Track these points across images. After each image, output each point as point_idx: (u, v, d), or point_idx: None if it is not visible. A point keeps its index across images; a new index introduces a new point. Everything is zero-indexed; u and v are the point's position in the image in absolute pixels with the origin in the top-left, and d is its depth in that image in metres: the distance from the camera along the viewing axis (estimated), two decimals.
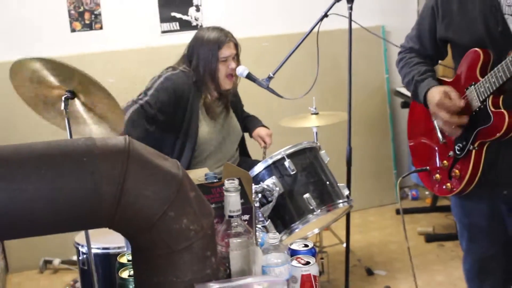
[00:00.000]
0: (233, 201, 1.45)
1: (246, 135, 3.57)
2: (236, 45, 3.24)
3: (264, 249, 1.55)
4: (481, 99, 2.09)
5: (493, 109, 2.07)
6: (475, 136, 2.13)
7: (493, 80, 2.03)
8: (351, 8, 3.05)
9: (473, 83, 2.12)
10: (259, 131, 3.46)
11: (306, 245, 1.61)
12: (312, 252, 1.59)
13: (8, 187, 1.13)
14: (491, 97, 2.07)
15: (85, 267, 2.91)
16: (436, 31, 2.28)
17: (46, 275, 4.11)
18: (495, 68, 2.02)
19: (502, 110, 2.05)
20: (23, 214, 1.15)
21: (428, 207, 4.79)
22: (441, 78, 2.35)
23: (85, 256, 2.91)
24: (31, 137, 3.88)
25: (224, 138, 3.32)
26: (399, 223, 4.43)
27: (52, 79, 2.61)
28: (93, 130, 2.78)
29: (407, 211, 4.72)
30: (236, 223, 1.46)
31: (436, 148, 2.37)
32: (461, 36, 2.17)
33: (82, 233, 2.85)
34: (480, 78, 2.09)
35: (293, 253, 1.58)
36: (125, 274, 1.56)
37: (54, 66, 2.56)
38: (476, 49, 2.09)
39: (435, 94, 2.20)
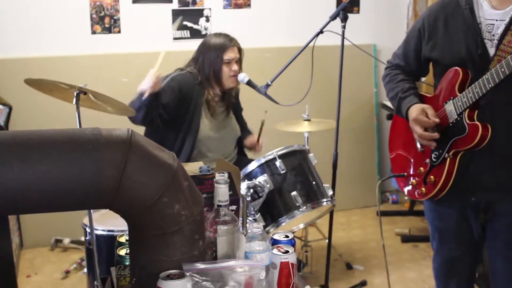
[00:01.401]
0: (222, 192, 1.47)
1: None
2: (240, 50, 3.26)
3: (249, 237, 1.58)
4: (458, 112, 2.11)
5: (468, 122, 2.08)
6: (451, 145, 2.15)
7: (470, 95, 2.05)
8: (344, 27, 3.05)
9: (451, 97, 2.14)
10: (248, 140, 3.51)
11: (286, 236, 1.62)
12: (292, 243, 1.60)
13: (23, 167, 1.15)
14: (467, 110, 2.09)
15: (91, 247, 2.92)
16: (421, 51, 2.29)
17: (56, 252, 4.13)
18: (473, 85, 2.04)
19: (477, 123, 2.06)
20: (34, 191, 1.17)
21: (406, 211, 4.79)
22: (425, 94, 2.36)
23: (90, 237, 2.93)
24: (45, 125, 3.92)
25: (223, 136, 3.33)
26: (379, 224, 4.43)
27: (63, 85, 2.64)
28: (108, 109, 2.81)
29: (387, 213, 4.72)
30: (224, 212, 1.47)
31: (414, 156, 2.38)
32: (444, 57, 2.19)
33: None
34: (458, 94, 2.11)
35: (275, 242, 1.59)
36: (122, 252, 1.59)
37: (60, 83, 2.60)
38: (457, 68, 2.11)
39: (414, 111, 2.23)
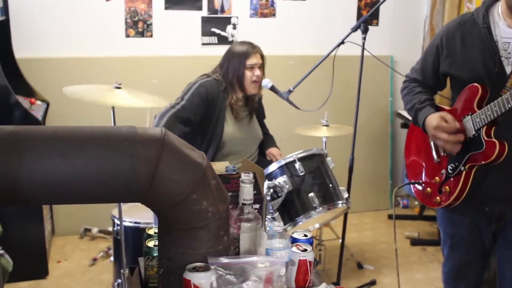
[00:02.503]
0: (247, 191, 1.47)
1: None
2: (262, 57, 3.26)
3: (270, 234, 1.58)
4: (476, 128, 2.07)
5: (486, 138, 2.04)
6: (467, 159, 2.11)
7: (489, 113, 2.00)
8: (364, 38, 3.03)
9: (470, 113, 2.10)
10: (272, 150, 3.47)
11: (305, 235, 1.62)
12: (310, 242, 1.60)
13: (63, 161, 1.17)
14: (485, 127, 2.04)
15: (118, 237, 2.94)
16: (438, 67, 2.26)
17: (85, 240, 4.16)
18: (492, 103, 1.99)
19: (494, 140, 2.02)
20: (72, 183, 1.18)
21: (416, 215, 4.75)
22: (441, 105, 2.33)
23: (118, 227, 2.94)
24: (79, 120, 3.96)
25: (246, 139, 3.33)
26: (390, 227, 4.41)
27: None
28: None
29: (397, 217, 4.68)
30: (248, 210, 1.48)
31: (430, 166, 2.35)
32: (462, 73, 2.15)
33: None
34: (477, 110, 2.06)
35: (294, 240, 1.59)
36: (151, 243, 1.59)
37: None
38: (476, 84, 2.07)
39: (433, 120, 2.19)
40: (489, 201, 2.16)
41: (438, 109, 2.29)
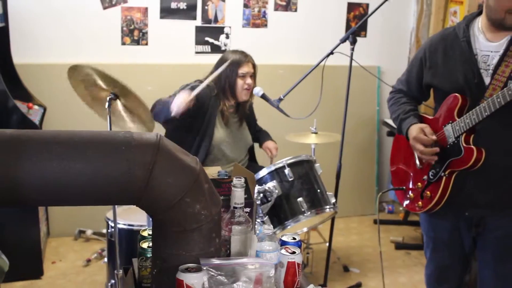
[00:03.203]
0: (238, 195, 1.47)
1: (256, 144, 3.59)
2: (254, 66, 3.27)
3: (260, 237, 1.58)
4: (455, 135, 2.12)
5: (464, 145, 2.09)
6: (447, 165, 2.15)
7: (467, 121, 2.05)
8: (353, 49, 3.06)
9: (450, 121, 2.15)
10: (268, 144, 3.49)
11: (294, 238, 1.62)
12: (298, 244, 1.60)
13: (61, 164, 1.17)
14: (464, 134, 2.09)
15: (112, 239, 2.94)
16: (422, 78, 2.30)
17: (79, 242, 4.14)
18: (470, 112, 2.05)
19: (472, 147, 2.07)
20: (71, 186, 1.18)
21: (401, 221, 4.77)
22: (424, 115, 2.37)
23: (112, 229, 2.93)
24: (76, 125, 3.95)
25: (235, 144, 3.33)
26: (376, 231, 4.43)
27: (100, 83, 2.66)
28: (130, 126, 2.82)
29: (383, 222, 4.70)
30: (239, 214, 1.48)
31: (413, 172, 2.38)
32: (444, 84, 2.20)
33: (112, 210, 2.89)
34: (457, 118, 2.11)
35: (283, 243, 1.59)
36: (145, 245, 1.60)
37: (101, 73, 2.60)
38: (457, 94, 2.12)
39: (413, 131, 2.25)
40: (468, 206, 2.19)
41: (421, 119, 2.33)
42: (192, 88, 3.06)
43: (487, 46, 2.08)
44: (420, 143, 2.21)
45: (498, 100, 1.94)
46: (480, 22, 2.12)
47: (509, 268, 2.19)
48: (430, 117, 2.31)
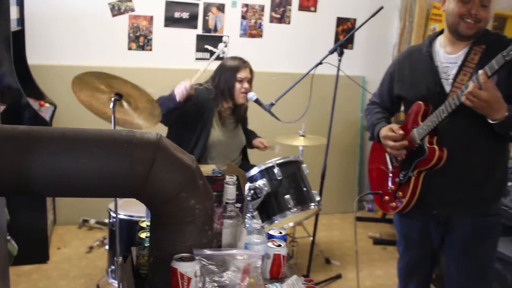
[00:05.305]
0: (230, 192, 1.48)
1: None
2: (251, 71, 3.27)
3: (249, 231, 1.59)
4: (420, 138, 2.16)
5: (428, 145, 2.13)
6: (415, 165, 2.18)
7: (429, 123, 2.11)
8: (340, 60, 3.07)
9: (415, 126, 2.19)
10: (257, 139, 3.51)
11: (280, 232, 1.63)
12: (284, 238, 1.61)
13: (69, 159, 1.17)
14: (427, 136, 2.13)
15: (113, 228, 2.94)
16: (393, 91, 2.36)
17: (83, 230, 4.14)
18: (431, 115, 2.10)
19: (434, 146, 2.11)
20: (76, 179, 1.19)
21: (379, 218, 4.79)
22: (394, 123, 2.40)
23: (114, 220, 2.94)
24: (83, 123, 3.94)
25: (230, 144, 3.33)
26: (356, 227, 4.43)
27: (103, 87, 2.65)
28: (138, 122, 2.82)
29: (362, 219, 4.72)
30: (230, 209, 1.49)
31: (387, 176, 2.40)
32: (410, 93, 2.25)
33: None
34: (420, 123, 2.16)
35: (270, 237, 1.60)
36: (143, 235, 1.59)
37: (104, 76, 2.60)
38: (420, 102, 2.17)
39: (383, 131, 2.30)
40: (436, 205, 2.21)
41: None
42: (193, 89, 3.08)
43: (447, 58, 2.15)
44: (389, 139, 2.24)
45: (454, 101, 2.00)
46: (440, 39, 2.20)
47: (472, 262, 2.22)
48: (400, 125, 2.34)
